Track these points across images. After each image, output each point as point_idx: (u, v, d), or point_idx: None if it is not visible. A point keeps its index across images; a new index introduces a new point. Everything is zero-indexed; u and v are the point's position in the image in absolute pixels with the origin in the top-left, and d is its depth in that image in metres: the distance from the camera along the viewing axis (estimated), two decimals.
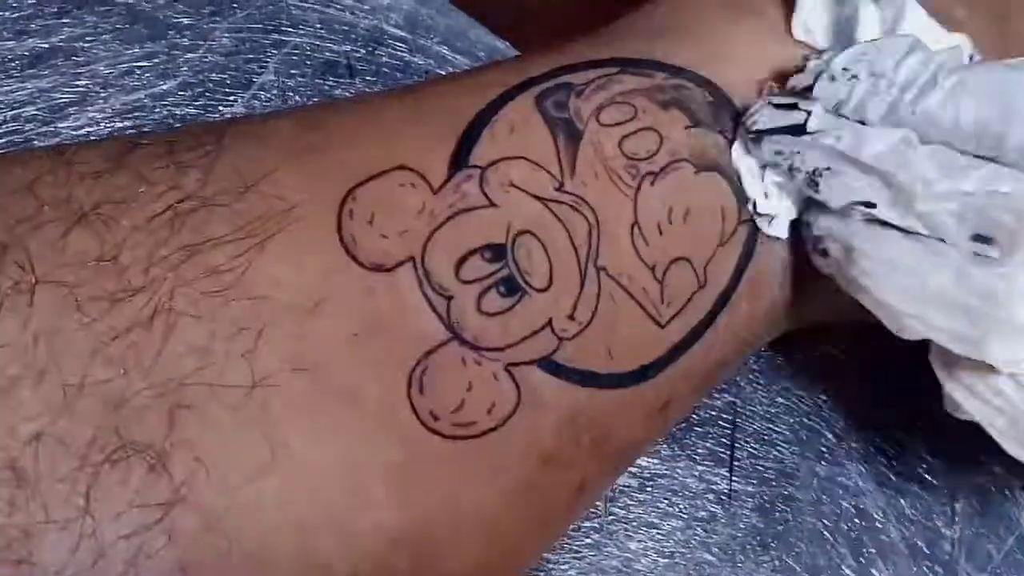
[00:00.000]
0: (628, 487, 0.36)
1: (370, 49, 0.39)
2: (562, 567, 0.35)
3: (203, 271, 0.24)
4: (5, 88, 0.35)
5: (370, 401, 0.25)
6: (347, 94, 0.38)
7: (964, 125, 0.28)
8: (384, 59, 0.39)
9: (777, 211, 0.30)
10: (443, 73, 0.40)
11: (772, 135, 0.30)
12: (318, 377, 0.24)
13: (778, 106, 0.30)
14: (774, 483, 0.37)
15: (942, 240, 0.28)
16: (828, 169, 0.29)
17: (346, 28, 0.39)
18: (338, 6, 0.39)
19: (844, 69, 0.30)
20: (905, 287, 0.29)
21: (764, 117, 0.30)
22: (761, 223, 0.30)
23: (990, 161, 0.28)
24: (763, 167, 0.30)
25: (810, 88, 0.30)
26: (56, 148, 0.26)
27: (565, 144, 0.28)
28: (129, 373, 0.23)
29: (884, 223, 0.29)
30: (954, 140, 0.29)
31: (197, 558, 0.22)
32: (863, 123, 0.29)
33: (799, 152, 0.29)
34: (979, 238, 0.28)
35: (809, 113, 0.29)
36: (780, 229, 0.31)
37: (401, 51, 0.40)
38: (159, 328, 0.23)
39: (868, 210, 0.29)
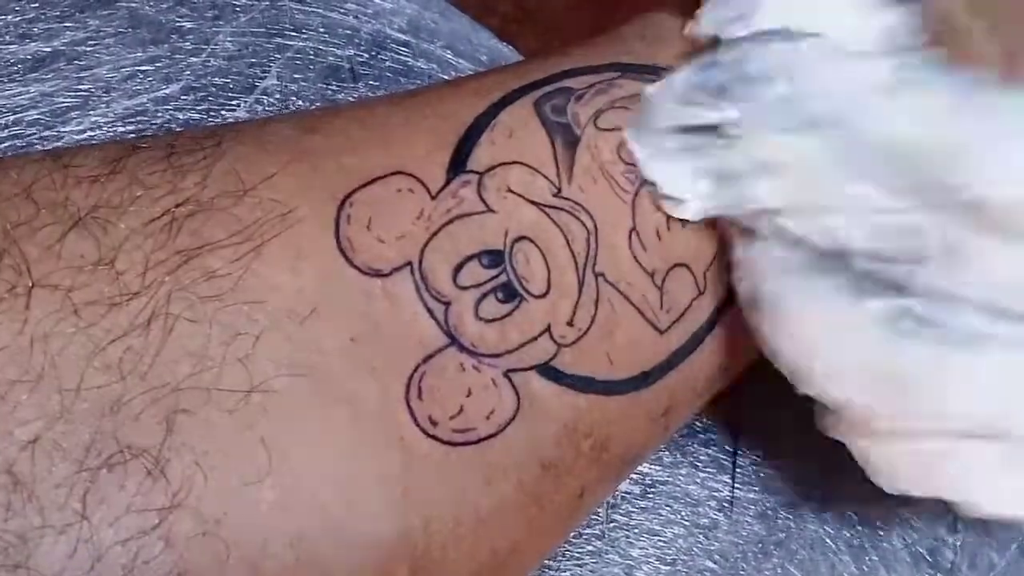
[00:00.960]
0: (630, 494, 0.36)
1: (373, 53, 0.39)
2: (563, 574, 0.35)
3: (200, 275, 0.24)
4: (7, 92, 0.35)
5: (368, 407, 0.25)
6: (350, 98, 0.38)
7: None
8: (387, 63, 0.39)
9: (686, 195, 0.29)
10: (446, 77, 0.40)
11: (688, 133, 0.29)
12: (316, 382, 0.24)
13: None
14: (776, 490, 0.37)
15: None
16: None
17: (349, 32, 0.39)
18: (341, 10, 0.39)
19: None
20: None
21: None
22: (668, 205, 0.29)
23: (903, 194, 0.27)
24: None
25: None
26: (53, 152, 0.26)
27: (563, 149, 0.28)
28: (126, 377, 0.22)
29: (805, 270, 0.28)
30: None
31: (194, 564, 0.22)
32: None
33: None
34: (882, 258, 0.27)
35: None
36: (689, 212, 0.29)
37: (404, 55, 0.40)
38: (156, 332, 0.23)
39: (775, 220, 0.28)
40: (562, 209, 0.27)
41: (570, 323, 0.27)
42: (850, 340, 0.28)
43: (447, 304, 0.26)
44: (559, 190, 0.28)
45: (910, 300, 0.27)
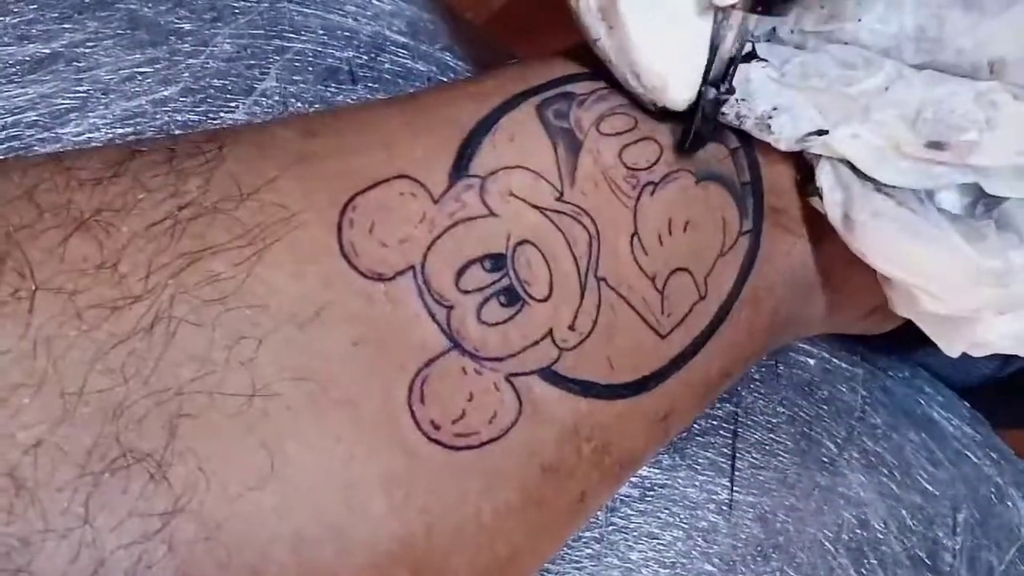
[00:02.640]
0: (629, 497, 0.36)
1: (372, 55, 0.39)
2: None
3: (203, 278, 0.24)
4: (6, 93, 0.35)
5: (370, 410, 0.25)
6: (349, 100, 0.38)
7: (906, 32, 0.28)
8: (386, 65, 0.39)
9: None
10: (445, 80, 0.40)
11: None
12: (318, 386, 0.24)
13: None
14: (775, 493, 0.37)
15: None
16: (775, 109, 0.29)
17: (348, 34, 0.39)
18: (340, 12, 0.39)
19: None
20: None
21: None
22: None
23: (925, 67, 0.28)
24: None
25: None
26: (55, 155, 0.26)
27: (565, 154, 0.28)
28: (129, 381, 0.22)
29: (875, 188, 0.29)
30: (891, 48, 0.28)
31: (196, 568, 0.22)
32: (799, 43, 0.29)
33: (744, 99, 0.29)
34: (934, 144, 0.28)
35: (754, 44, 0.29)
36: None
37: (403, 57, 0.39)
38: (159, 336, 0.23)
39: (821, 137, 0.29)
40: (564, 213, 0.27)
41: (572, 327, 0.27)
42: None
43: (449, 308, 0.26)
44: (561, 194, 0.28)
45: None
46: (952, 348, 0.30)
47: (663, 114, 0.30)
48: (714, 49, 0.28)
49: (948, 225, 0.28)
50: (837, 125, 0.28)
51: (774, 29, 0.29)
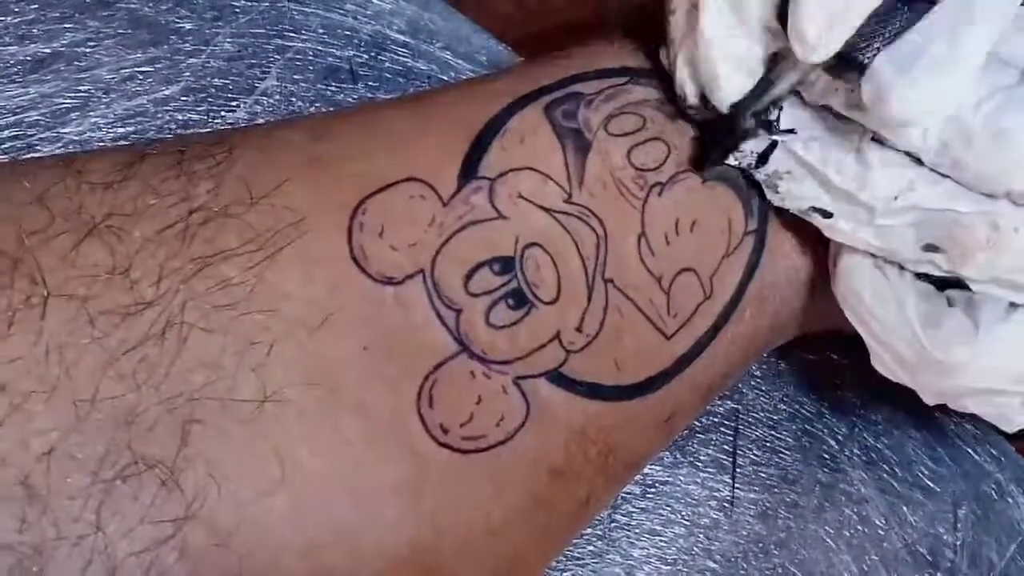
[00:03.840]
0: (630, 494, 0.36)
1: (373, 54, 0.39)
2: (565, 574, 0.35)
3: (215, 284, 0.24)
4: (7, 93, 0.35)
5: (380, 415, 0.25)
6: (350, 99, 0.38)
7: (930, 143, 0.28)
8: (387, 64, 0.39)
9: None
10: (445, 78, 0.40)
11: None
12: (328, 391, 0.24)
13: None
14: (776, 490, 0.37)
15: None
16: (788, 173, 0.29)
17: (349, 33, 0.39)
18: (340, 11, 0.39)
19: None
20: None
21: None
22: None
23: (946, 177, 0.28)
24: None
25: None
26: (65, 158, 0.26)
27: (574, 155, 0.28)
28: (141, 388, 0.22)
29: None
30: (917, 148, 0.28)
31: (208, 575, 0.22)
32: (828, 107, 0.29)
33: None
34: (931, 247, 0.28)
35: (781, 109, 0.29)
36: None
37: (404, 56, 0.39)
38: (171, 342, 0.23)
39: (824, 219, 0.29)
40: (572, 215, 0.27)
41: (579, 329, 0.27)
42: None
43: (458, 311, 0.26)
44: (569, 196, 0.28)
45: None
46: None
47: (682, 115, 0.30)
48: (767, 82, 0.28)
49: (912, 304, 0.29)
50: (841, 217, 0.29)
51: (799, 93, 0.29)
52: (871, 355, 0.30)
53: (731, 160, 0.29)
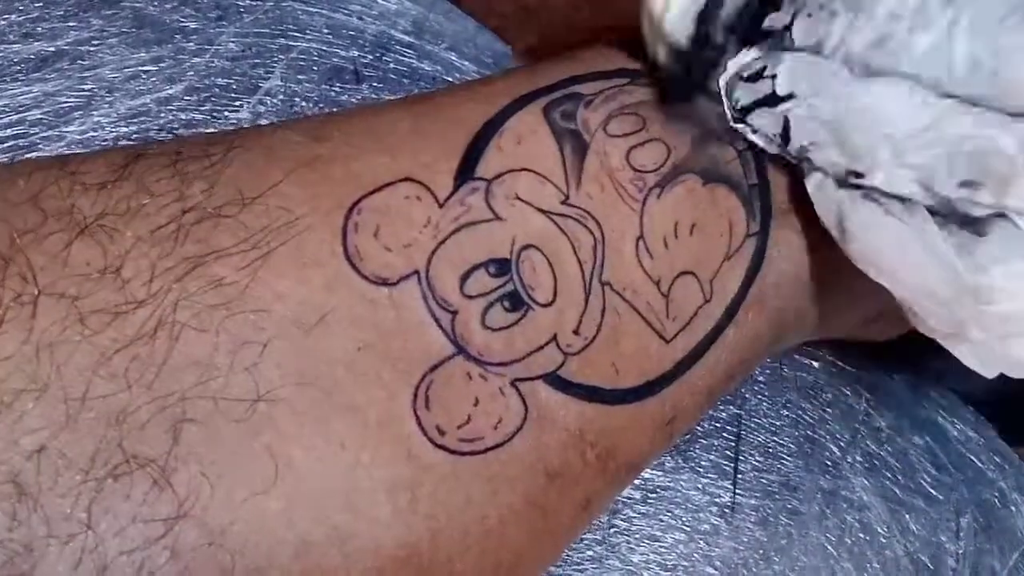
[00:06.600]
0: (631, 499, 0.36)
1: (377, 55, 0.39)
2: None
3: (207, 283, 0.24)
4: (10, 91, 0.35)
5: (375, 416, 0.25)
6: (354, 100, 0.38)
7: (957, 64, 0.27)
8: (391, 65, 0.39)
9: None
10: (450, 79, 0.40)
11: (754, 111, 0.29)
12: (322, 391, 0.24)
13: (747, 78, 0.29)
14: (777, 496, 0.37)
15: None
16: (814, 143, 0.28)
17: (353, 33, 0.39)
18: (345, 11, 0.39)
19: (820, 6, 0.28)
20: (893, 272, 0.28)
21: (739, 93, 0.29)
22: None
23: (974, 104, 0.27)
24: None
25: (788, 27, 0.29)
26: (59, 158, 0.26)
27: (572, 156, 0.28)
28: (132, 387, 0.22)
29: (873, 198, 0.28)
30: (943, 78, 0.27)
31: (200, 574, 0.22)
32: (847, 62, 0.29)
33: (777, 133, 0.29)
34: (966, 183, 0.27)
35: (774, 77, 0.29)
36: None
37: (408, 57, 0.39)
38: (162, 341, 0.23)
39: (858, 180, 0.28)
40: (570, 217, 0.27)
41: (576, 332, 0.27)
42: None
43: (454, 313, 0.26)
44: (567, 197, 0.28)
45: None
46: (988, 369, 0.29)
47: (657, 69, 0.29)
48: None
49: (936, 235, 0.28)
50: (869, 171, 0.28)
51: (819, 44, 0.29)
52: (905, 311, 0.29)
53: (750, 134, 0.29)
